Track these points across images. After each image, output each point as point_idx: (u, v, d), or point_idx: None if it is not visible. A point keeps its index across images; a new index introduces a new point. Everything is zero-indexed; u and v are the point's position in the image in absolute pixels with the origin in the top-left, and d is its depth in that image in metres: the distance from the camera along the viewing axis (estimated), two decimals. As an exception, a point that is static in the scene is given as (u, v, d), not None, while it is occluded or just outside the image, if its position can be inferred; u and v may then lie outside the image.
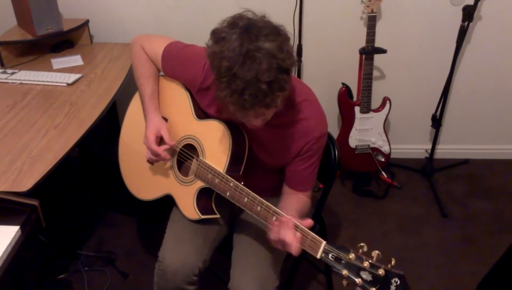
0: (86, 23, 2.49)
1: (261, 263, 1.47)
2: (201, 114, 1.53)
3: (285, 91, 1.22)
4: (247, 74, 1.13)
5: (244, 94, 1.15)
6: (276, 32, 1.19)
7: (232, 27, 1.18)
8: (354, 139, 2.58)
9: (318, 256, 1.20)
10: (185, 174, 1.54)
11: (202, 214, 1.48)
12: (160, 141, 1.54)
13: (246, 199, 1.36)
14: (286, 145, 1.45)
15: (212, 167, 1.43)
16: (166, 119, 1.59)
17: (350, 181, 2.75)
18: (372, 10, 2.31)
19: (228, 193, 1.40)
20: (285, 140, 1.44)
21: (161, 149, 1.50)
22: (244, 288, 1.42)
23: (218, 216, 1.52)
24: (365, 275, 1.11)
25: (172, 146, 1.52)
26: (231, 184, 1.38)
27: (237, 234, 1.61)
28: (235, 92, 1.15)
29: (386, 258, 1.11)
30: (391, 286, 1.08)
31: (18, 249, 1.31)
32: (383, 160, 2.63)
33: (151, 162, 1.61)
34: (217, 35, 1.19)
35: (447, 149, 2.93)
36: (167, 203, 1.61)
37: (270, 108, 1.23)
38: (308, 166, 1.47)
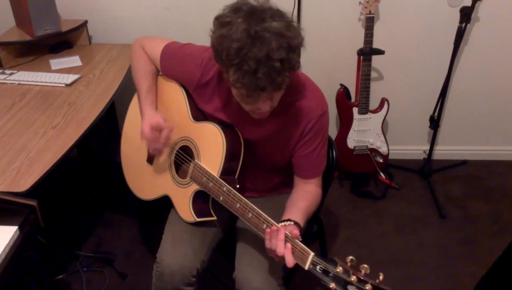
0: (84, 24, 2.50)
1: (265, 256, 1.46)
2: (198, 115, 1.52)
3: (295, 71, 1.22)
4: (258, 53, 1.12)
5: (257, 72, 1.14)
6: (281, 14, 1.19)
7: (236, 11, 1.18)
8: (352, 140, 2.58)
9: (306, 268, 1.19)
10: (183, 176, 1.54)
11: (198, 216, 1.48)
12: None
13: (238, 205, 1.36)
14: (289, 129, 1.43)
15: (207, 171, 1.43)
16: None
17: (348, 182, 2.76)
18: (370, 11, 2.32)
19: (221, 198, 1.40)
20: (287, 124, 1.43)
21: (163, 134, 1.46)
22: (251, 277, 1.43)
23: (214, 218, 1.52)
24: None
25: (170, 128, 1.48)
26: (224, 189, 1.38)
27: (239, 236, 1.61)
28: (248, 72, 1.14)
29: (374, 273, 1.10)
30: None
31: (16, 249, 1.31)
32: (381, 161, 2.63)
33: (152, 155, 1.60)
34: (221, 20, 1.19)
35: (445, 150, 2.94)
36: (166, 203, 1.62)
37: (280, 90, 1.23)
38: (312, 149, 1.45)
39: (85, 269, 2.17)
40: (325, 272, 1.15)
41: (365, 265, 1.11)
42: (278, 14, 1.18)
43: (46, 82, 2.11)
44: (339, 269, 1.13)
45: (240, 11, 1.17)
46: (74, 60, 2.36)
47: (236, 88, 1.21)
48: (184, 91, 1.55)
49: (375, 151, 2.62)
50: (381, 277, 1.09)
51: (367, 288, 1.08)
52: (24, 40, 2.33)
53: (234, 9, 1.19)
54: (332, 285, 1.13)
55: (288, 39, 1.15)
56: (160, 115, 1.52)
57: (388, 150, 2.63)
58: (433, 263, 2.24)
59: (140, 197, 1.70)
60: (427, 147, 2.81)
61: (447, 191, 2.70)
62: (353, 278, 1.11)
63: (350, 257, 1.14)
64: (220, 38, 1.18)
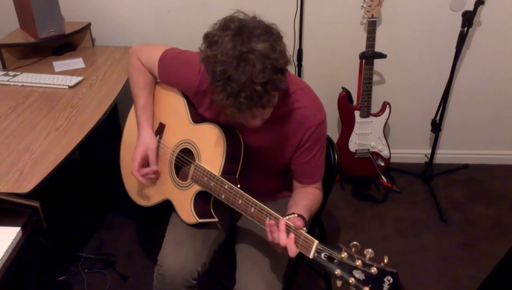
0: (88, 26, 2.51)
1: (266, 265, 1.47)
2: (197, 118, 1.53)
3: (281, 90, 1.23)
4: (241, 76, 1.13)
5: (239, 96, 1.15)
6: (268, 32, 1.19)
7: (224, 29, 1.18)
8: (354, 143, 2.59)
9: (311, 256, 1.20)
10: (183, 178, 1.54)
11: (200, 217, 1.49)
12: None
13: (240, 201, 1.36)
14: (286, 138, 1.44)
15: (208, 171, 1.43)
16: (163, 125, 1.60)
17: (349, 185, 2.76)
18: (372, 15, 2.33)
19: (223, 196, 1.40)
20: (284, 132, 1.44)
21: (144, 172, 1.55)
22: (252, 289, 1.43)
23: (216, 219, 1.52)
24: (358, 274, 1.11)
25: (155, 171, 1.56)
26: (226, 187, 1.39)
27: (239, 238, 1.62)
28: (231, 95, 1.16)
29: (379, 257, 1.11)
30: (384, 284, 1.08)
31: (19, 250, 1.31)
32: (382, 164, 2.64)
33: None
34: (209, 39, 1.20)
35: (446, 154, 2.94)
36: (167, 206, 1.62)
37: (266, 108, 1.24)
38: (311, 157, 1.46)
39: (86, 270, 2.18)
40: (330, 259, 1.16)
41: (369, 250, 1.12)
42: (265, 32, 1.18)
43: (49, 84, 2.11)
44: (344, 254, 1.13)
45: (228, 29, 1.17)
46: (77, 62, 2.37)
47: (223, 106, 1.22)
48: (183, 95, 1.56)
49: (376, 155, 2.62)
50: (386, 260, 1.09)
51: (372, 271, 1.09)
52: (27, 42, 2.34)
53: (222, 26, 1.19)
54: (338, 271, 1.13)
55: (272, 61, 1.15)
56: (155, 147, 1.56)
57: (390, 153, 2.63)
58: (434, 266, 2.24)
59: (140, 204, 1.70)
60: (429, 151, 2.81)
61: (448, 195, 2.70)
62: (358, 262, 1.11)
63: (354, 242, 1.14)
64: (206, 59, 1.19)
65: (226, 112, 1.24)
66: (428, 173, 2.77)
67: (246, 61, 1.13)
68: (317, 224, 1.76)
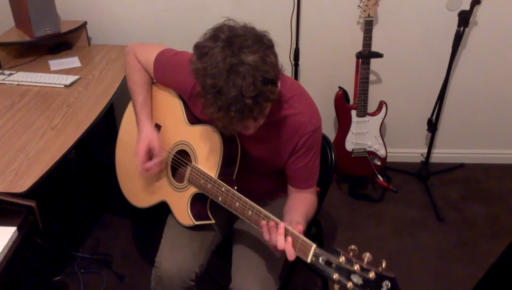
0: (84, 25, 2.50)
1: (262, 265, 1.47)
2: (194, 119, 1.52)
3: (272, 101, 1.22)
4: (231, 90, 1.12)
5: (230, 110, 1.14)
6: (259, 41, 1.17)
7: (214, 40, 1.17)
8: (351, 143, 2.59)
9: (308, 260, 1.19)
10: (180, 180, 1.53)
11: (196, 220, 1.48)
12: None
13: (237, 204, 1.35)
14: (281, 142, 1.44)
15: (204, 172, 1.43)
16: (159, 126, 1.60)
17: (346, 184, 2.76)
18: (368, 15, 2.33)
19: (220, 198, 1.40)
20: (279, 137, 1.43)
21: (151, 165, 1.51)
22: (246, 289, 1.42)
23: (213, 221, 1.52)
24: (356, 279, 1.10)
25: (163, 159, 1.53)
26: (223, 189, 1.38)
27: (236, 238, 1.61)
28: (222, 108, 1.15)
29: (377, 261, 1.10)
30: (382, 289, 1.07)
31: (15, 250, 1.31)
32: (379, 163, 2.64)
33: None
34: (199, 50, 1.18)
35: (442, 153, 2.95)
36: (164, 207, 1.61)
37: (258, 119, 1.23)
38: (306, 162, 1.46)
39: (82, 270, 2.17)
40: (328, 263, 1.15)
41: (367, 254, 1.11)
42: (256, 41, 1.17)
43: (45, 82, 2.10)
44: (342, 259, 1.13)
45: (218, 39, 1.16)
46: (73, 61, 2.36)
47: (214, 119, 1.21)
48: (179, 97, 1.55)
49: (373, 154, 2.63)
50: (383, 265, 1.09)
51: (370, 276, 1.08)
52: (23, 40, 2.33)
53: (212, 36, 1.18)
54: (336, 275, 1.12)
55: (263, 73, 1.14)
56: (157, 139, 1.53)
57: (386, 152, 2.63)
58: (430, 265, 2.24)
59: (136, 206, 1.69)
60: (425, 150, 2.81)
61: (444, 194, 2.71)
62: (356, 267, 1.10)
63: (352, 246, 1.13)
64: (196, 72, 1.18)
65: (218, 124, 1.24)
66: (424, 172, 2.78)
67: (236, 74, 1.12)
68: (314, 224, 1.76)
